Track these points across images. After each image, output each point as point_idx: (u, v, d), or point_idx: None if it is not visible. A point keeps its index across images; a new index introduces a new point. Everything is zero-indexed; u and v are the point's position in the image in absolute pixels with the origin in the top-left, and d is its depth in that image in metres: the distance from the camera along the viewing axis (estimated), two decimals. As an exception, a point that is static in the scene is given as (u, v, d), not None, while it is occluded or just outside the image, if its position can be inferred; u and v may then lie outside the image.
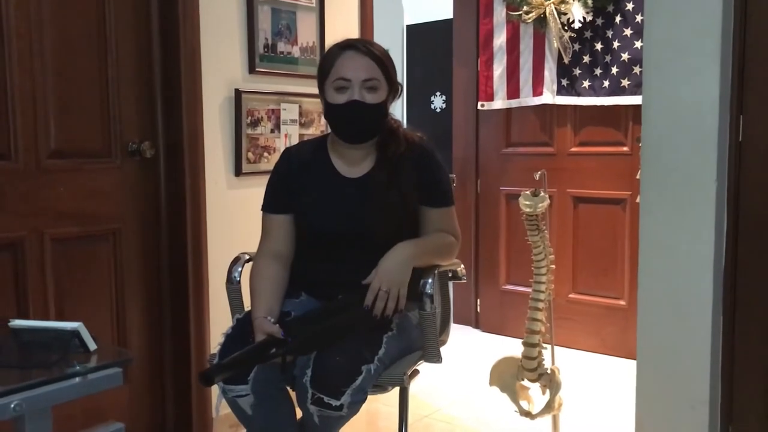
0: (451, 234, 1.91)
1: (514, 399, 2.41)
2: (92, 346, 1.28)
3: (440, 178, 1.91)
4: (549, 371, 2.35)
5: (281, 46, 2.74)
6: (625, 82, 3.38)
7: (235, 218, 2.61)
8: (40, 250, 2.18)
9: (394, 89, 1.86)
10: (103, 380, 1.21)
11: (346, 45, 1.82)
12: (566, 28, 3.49)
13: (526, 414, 2.40)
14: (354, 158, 1.88)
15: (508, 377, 2.40)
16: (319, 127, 2.86)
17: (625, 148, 3.52)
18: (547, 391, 2.36)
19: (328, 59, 1.82)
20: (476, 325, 4.15)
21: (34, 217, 2.17)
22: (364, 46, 1.81)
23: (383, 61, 1.81)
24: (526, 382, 2.40)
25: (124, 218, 2.40)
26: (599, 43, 3.45)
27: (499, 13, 3.77)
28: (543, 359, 2.36)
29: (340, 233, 1.84)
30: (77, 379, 1.18)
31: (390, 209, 1.83)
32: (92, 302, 2.33)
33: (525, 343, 2.35)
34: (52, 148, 2.21)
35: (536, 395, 2.44)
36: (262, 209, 1.93)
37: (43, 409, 1.15)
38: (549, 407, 2.36)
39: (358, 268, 1.81)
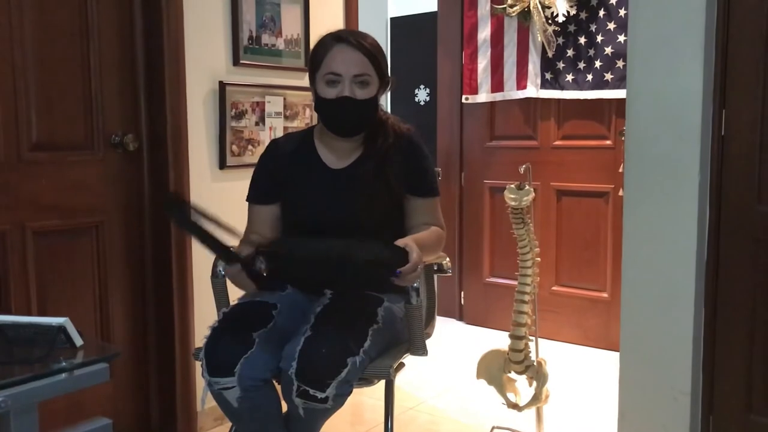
0: (437, 226, 1.92)
1: (502, 391, 2.42)
2: (78, 341, 1.27)
3: (427, 168, 1.92)
4: (535, 363, 2.37)
5: (266, 38, 2.72)
6: (608, 76, 3.40)
7: (219, 211, 2.53)
8: (21, 244, 2.16)
9: (384, 82, 1.85)
10: (89, 376, 1.20)
11: (338, 38, 1.80)
12: (550, 21, 3.50)
13: (514, 406, 2.41)
14: (342, 150, 1.88)
15: (495, 370, 2.42)
16: (304, 119, 2.85)
17: (608, 142, 3.54)
18: (534, 382, 2.37)
19: (320, 51, 1.80)
20: (460, 318, 4.17)
21: (15, 210, 2.14)
22: (355, 39, 1.79)
23: (374, 55, 1.80)
24: (512, 375, 2.42)
25: (107, 211, 2.37)
26: (583, 37, 3.47)
27: (484, 7, 3.77)
28: (529, 351, 2.37)
29: (327, 224, 1.84)
30: (63, 375, 1.17)
31: (377, 200, 1.83)
32: (75, 296, 2.30)
33: (511, 336, 2.36)
34: (33, 140, 2.18)
35: (523, 387, 2.46)
36: (247, 200, 1.92)
37: (29, 406, 1.14)
38: (536, 399, 2.37)
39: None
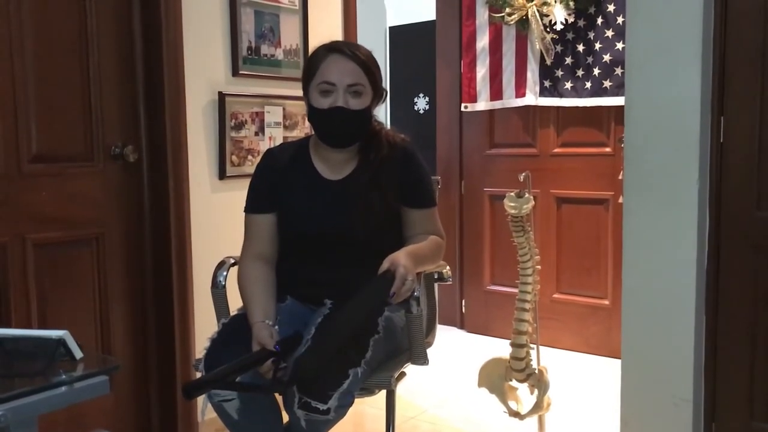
0: (436, 235, 1.91)
1: (503, 400, 2.42)
2: (78, 354, 1.27)
3: (423, 178, 1.91)
4: (537, 371, 2.36)
5: (264, 49, 2.73)
6: (606, 84, 3.41)
7: (219, 222, 2.60)
8: (22, 256, 2.16)
9: (378, 94, 1.85)
10: (89, 389, 1.19)
11: (332, 48, 1.80)
12: (548, 29, 3.51)
13: (515, 414, 2.41)
14: (336, 161, 1.88)
15: (496, 378, 2.41)
16: (304, 129, 2.85)
17: (608, 149, 3.54)
18: (536, 391, 2.37)
19: (314, 61, 1.81)
20: (461, 326, 4.16)
21: (15, 222, 2.14)
22: (350, 50, 1.80)
23: (369, 66, 1.80)
24: (514, 383, 2.41)
25: (107, 223, 2.37)
26: (581, 44, 3.48)
27: (482, 15, 3.78)
28: (531, 359, 2.37)
29: (322, 235, 1.84)
30: (63, 389, 1.16)
31: (372, 211, 1.83)
32: (75, 308, 2.30)
33: (513, 344, 2.36)
34: (33, 152, 2.18)
35: (524, 395, 2.45)
36: (244, 210, 1.92)
37: (29, 419, 1.14)
38: (538, 407, 2.37)
39: (341, 269, 1.81)
